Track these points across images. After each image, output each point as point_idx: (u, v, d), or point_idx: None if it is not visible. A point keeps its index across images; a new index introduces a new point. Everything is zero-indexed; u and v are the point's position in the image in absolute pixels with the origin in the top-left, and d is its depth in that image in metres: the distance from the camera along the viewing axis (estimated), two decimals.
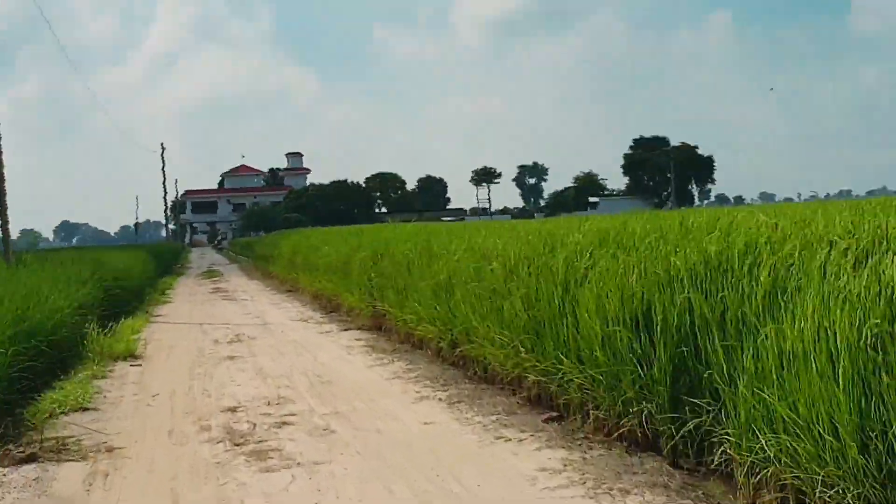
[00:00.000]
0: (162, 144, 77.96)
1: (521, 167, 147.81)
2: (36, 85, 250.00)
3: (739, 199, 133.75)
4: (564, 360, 6.57)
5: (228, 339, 12.73)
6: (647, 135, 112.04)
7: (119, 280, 17.20)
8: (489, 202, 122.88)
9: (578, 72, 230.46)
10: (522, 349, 7.38)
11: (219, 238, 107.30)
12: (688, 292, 5.34)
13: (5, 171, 16.39)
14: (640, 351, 5.64)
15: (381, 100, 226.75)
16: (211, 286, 26.36)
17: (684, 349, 5.30)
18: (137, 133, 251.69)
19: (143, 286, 21.95)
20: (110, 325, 12.75)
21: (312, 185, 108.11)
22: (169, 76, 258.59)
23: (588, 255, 6.97)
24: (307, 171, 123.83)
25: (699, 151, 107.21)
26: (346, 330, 13.33)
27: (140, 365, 10.44)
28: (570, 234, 8.38)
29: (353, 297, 14.89)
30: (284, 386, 8.64)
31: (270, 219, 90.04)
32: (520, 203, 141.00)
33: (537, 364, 7.12)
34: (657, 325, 5.45)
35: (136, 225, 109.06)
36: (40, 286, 10.75)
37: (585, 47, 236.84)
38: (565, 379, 6.56)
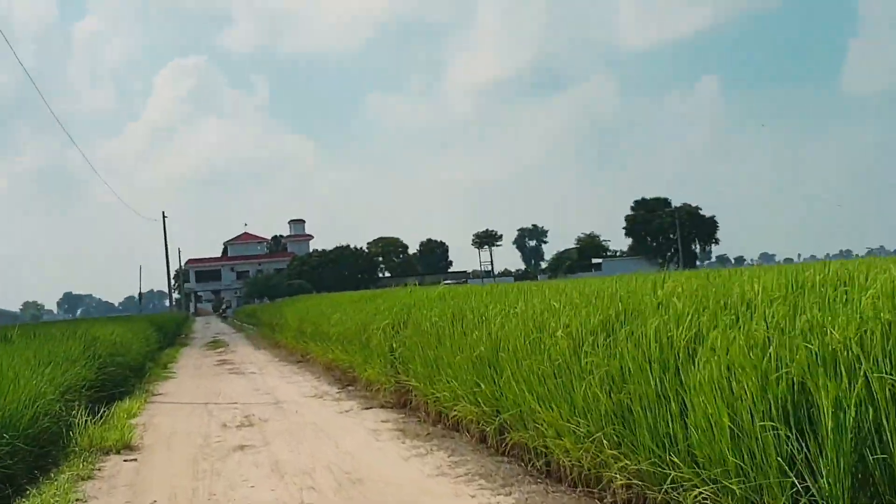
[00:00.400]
0: (163, 213, 77.13)
1: (521, 230, 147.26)
2: (37, 157, 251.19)
3: (740, 260, 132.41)
4: (673, 459, 5.14)
5: (237, 422, 11.26)
6: (646, 196, 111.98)
7: (115, 356, 15.81)
8: (491, 265, 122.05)
9: (574, 136, 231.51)
10: (605, 442, 5.96)
11: (223, 307, 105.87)
12: (864, 373, 3.96)
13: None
14: (797, 453, 4.22)
15: (380, 166, 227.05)
16: (217, 358, 24.87)
17: (869, 454, 3.90)
18: (139, 203, 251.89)
19: (143, 361, 20.53)
20: (104, 408, 11.36)
21: (315, 251, 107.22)
22: (169, 147, 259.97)
23: (688, 322, 5.59)
24: (310, 237, 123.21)
25: (701, 212, 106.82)
26: (368, 408, 11.86)
27: (135, 459, 8.95)
28: (643, 296, 7.02)
29: (372, 369, 13.45)
30: (307, 487, 7.15)
31: (274, 286, 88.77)
32: (520, 265, 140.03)
33: (628, 463, 5.69)
34: (825, 418, 4.05)
35: (140, 295, 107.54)
36: (21, 368, 9.37)
37: (579, 112, 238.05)
38: (674, 485, 5.13)
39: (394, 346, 12.67)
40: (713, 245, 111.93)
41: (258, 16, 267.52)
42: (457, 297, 12.06)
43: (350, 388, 14.60)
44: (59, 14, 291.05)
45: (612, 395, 5.88)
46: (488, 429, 8.31)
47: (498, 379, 8.18)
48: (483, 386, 8.43)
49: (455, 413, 9.22)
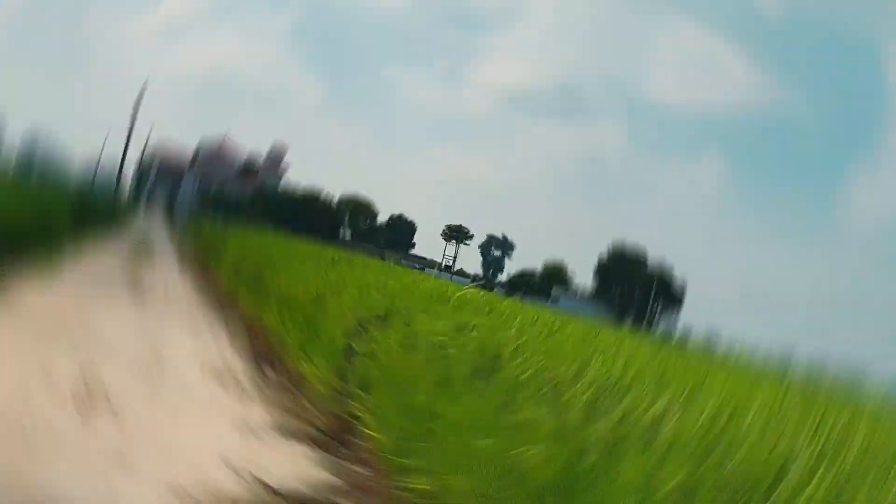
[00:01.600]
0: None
1: (490, 237, 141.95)
2: None
3: (685, 336, 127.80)
4: None
5: (74, 398, 6.73)
6: (626, 240, 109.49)
7: None
8: (454, 261, 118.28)
9: (573, 165, 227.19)
10: None
11: (175, 210, 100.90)
12: None
13: None
14: None
15: (377, 129, 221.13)
16: (123, 268, 19.97)
17: None
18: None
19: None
20: None
21: (285, 189, 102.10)
22: (177, 46, 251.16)
23: None
24: (285, 168, 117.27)
25: (674, 273, 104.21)
26: (288, 437, 7.39)
27: None
28: None
29: (313, 366, 9.04)
30: None
31: (234, 205, 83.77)
32: (479, 271, 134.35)
33: None
34: None
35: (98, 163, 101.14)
36: None
37: (584, 143, 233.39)
38: None
39: (354, 346, 8.30)
40: (674, 315, 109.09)
41: None
42: (479, 310, 7.61)
43: (269, 371, 10.17)
44: None
45: None
46: None
47: None
48: None
49: None
